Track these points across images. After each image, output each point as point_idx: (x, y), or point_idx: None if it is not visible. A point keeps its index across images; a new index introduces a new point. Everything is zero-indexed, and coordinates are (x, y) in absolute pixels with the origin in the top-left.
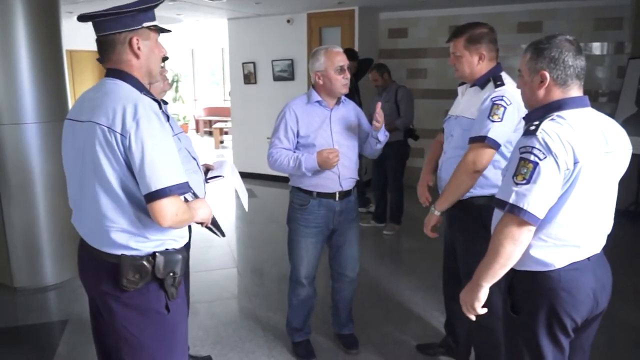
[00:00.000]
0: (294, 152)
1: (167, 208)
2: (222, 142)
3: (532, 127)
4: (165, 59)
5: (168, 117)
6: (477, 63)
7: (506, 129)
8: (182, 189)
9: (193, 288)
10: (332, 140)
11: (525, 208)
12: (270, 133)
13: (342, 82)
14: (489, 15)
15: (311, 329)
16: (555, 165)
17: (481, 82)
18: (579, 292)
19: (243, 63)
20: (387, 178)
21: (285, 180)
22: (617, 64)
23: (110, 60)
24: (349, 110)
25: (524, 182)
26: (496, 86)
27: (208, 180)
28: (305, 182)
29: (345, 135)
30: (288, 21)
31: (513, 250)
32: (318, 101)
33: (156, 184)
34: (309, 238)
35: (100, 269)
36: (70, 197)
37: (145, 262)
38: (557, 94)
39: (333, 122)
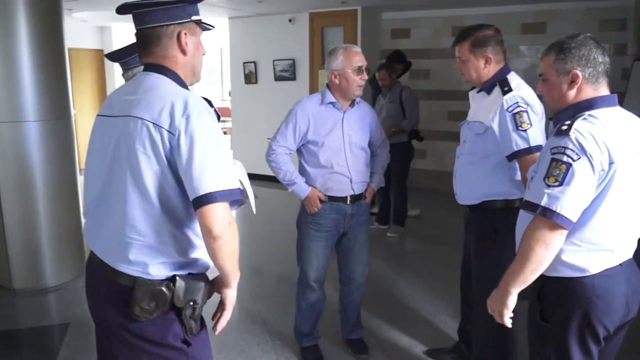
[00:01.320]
0: (296, 151)
1: (219, 212)
2: None
3: (564, 127)
4: None
5: None
6: (484, 67)
7: (537, 129)
8: (234, 195)
9: None
10: (343, 143)
11: (558, 211)
12: (271, 133)
13: (358, 83)
14: (493, 15)
15: (320, 334)
16: (589, 166)
17: (487, 87)
18: (613, 299)
19: (244, 63)
20: (390, 180)
21: None
22: (621, 66)
23: (151, 55)
24: (363, 112)
25: (557, 184)
26: (503, 93)
27: None
28: (317, 186)
29: (357, 138)
30: (290, 20)
31: (545, 254)
32: (332, 102)
33: (205, 187)
34: (319, 241)
35: (111, 291)
36: (87, 202)
37: (164, 288)
38: (589, 93)
39: (345, 125)
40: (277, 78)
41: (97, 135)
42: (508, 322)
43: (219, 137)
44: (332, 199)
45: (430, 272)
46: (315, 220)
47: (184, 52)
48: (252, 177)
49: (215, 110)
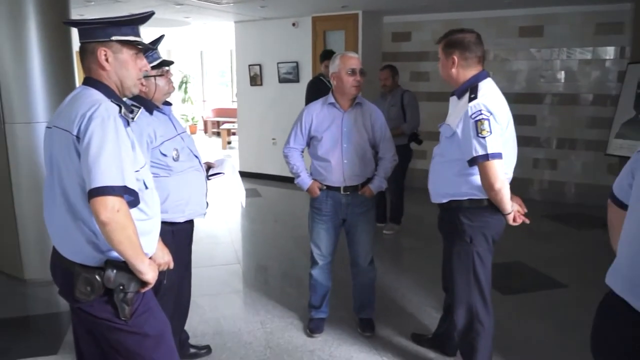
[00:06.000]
0: (307, 148)
1: (109, 202)
2: (229, 142)
3: None
4: (170, 63)
5: (150, 115)
6: (451, 68)
7: (497, 137)
8: (117, 191)
9: (197, 281)
10: (341, 139)
11: None
12: (275, 134)
13: (351, 83)
14: (491, 19)
15: (328, 310)
16: None
17: (459, 92)
18: None
19: (249, 65)
20: (389, 180)
21: (288, 180)
22: (617, 69)
23: (84, 68)
24: (365, 113)
25: None
26: (470, 99)
27: (209, 177)
28: (318, 177)
29: (355, 136)
30: (293, 24)
31: None
32: (332, 102)
33: (95, 182)
34: (320, 224)
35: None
36: (44, 199)
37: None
38: None
39: (345, 123)
40: (281, 80)
41: (45, 146)
42: None
43: (114, 141)
44: (328, 188)
45: (420, 268)
46: (316, 206)
47: (103, 67)
48: (256, 176)
49: (123, 117)
